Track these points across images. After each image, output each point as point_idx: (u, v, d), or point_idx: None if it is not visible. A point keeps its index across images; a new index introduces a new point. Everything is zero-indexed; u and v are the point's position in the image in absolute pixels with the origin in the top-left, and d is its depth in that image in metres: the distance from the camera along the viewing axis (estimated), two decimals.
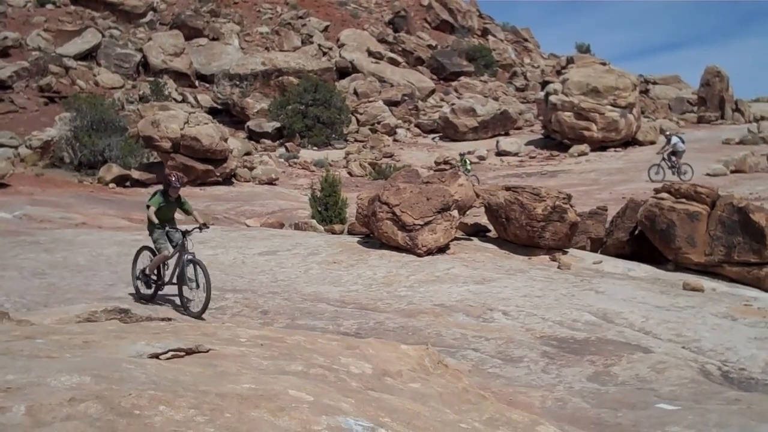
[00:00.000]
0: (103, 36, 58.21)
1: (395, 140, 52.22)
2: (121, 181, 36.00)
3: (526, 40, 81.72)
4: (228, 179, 38.42)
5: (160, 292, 14.09)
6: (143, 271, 14.05)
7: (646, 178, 34.22)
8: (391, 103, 56.67)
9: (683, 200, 17.98)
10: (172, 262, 13.81)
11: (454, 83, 63.48)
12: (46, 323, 6.38)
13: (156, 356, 4.76)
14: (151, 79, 53.93)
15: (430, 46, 69.05)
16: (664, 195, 18.45)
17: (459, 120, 52.04)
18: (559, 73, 63.66)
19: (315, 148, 48.75)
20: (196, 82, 58.27)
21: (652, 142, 47.98)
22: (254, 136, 50.69)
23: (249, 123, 51.61)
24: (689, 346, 11.96)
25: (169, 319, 7.87)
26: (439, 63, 65.85)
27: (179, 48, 58.01)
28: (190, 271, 13.33)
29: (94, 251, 17.99)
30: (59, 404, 3.43)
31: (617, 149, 47.37)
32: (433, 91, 60.96)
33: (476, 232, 20.21)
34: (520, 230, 18.32)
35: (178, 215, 14.56)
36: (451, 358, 9.86)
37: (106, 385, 3.69)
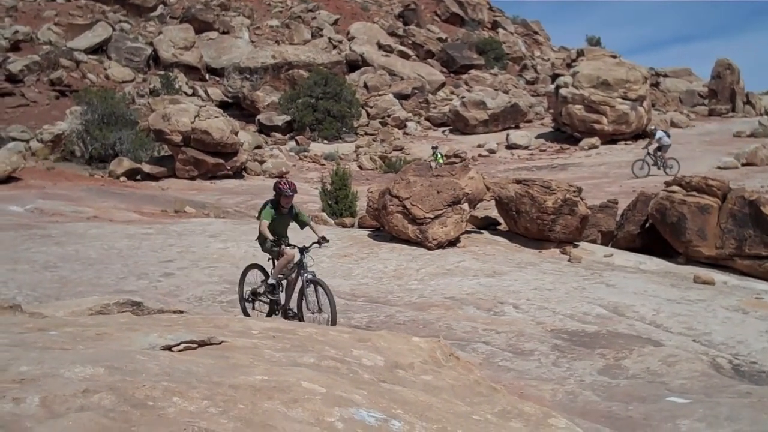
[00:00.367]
0: (114, 30, 58.27)
1: (405, 133, 52.17)
2: (131, 174, 36.08)
3: (536, 32, 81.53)
4: (238, 173, 38.47)
5: (274, 317, 12.43)
6: (254, 291, 12.57)
7: (656, 171, 34.11)
8: (402, 97, 56.62)
9: (694, 193, 17.95)
10: (289, 284, 12.45)
11: (464, 76, 63.38)
12: (58, 315, 6.40)
13: (169, 348, 4.77)
14: (162, 72, 53.98)
15: (440, 39, 68.97)
16: (675, 188, 18.41)
17: (469, 113, 51.94)
18: (569, 66, 63.50)
19: (325, 141, 48.74)
20: (207, 76, 58.28)
21: None
22: (264, 129, 50.70)
23: (259, 116, 51.62)
24: (700, 340, 11.95)
25: (181, 312, 7.89)
26: (449, 56, 65.75)
27: (189, 42, 58.03)
28: (310, 292, 11.88)
29: (106, 244, 18.03)
30: (73, 395, 3.44)
31: (628, 142, 47.21)
32: (443, 84, 60.87)
33: (487, 225, 20.21)
34: (531, 223, 18.31)
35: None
36: (461, 351, 9.87)
37: (119, 377, 3.70)
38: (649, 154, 35.27)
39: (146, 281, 14.73)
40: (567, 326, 12.41)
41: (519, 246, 18.47)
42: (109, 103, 40.88)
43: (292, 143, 48.37)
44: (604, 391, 9.62)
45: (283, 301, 12.36)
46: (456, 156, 43.39)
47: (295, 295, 12.30)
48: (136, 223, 21.93)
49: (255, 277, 12.84)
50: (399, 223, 17.95)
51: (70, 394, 3.44)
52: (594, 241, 19.45)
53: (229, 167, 37.58)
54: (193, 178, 36.74)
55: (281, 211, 12.38)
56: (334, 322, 11.34)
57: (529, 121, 54.91)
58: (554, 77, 60.78)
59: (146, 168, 36.91)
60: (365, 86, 57.24)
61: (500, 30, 76.65)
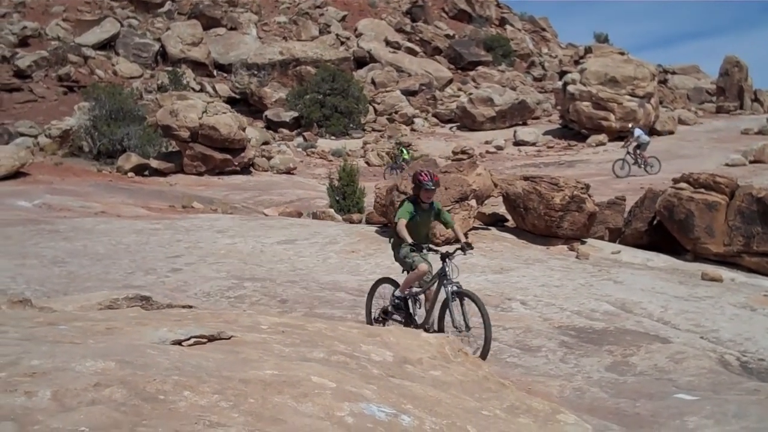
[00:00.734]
0: (122, 25, 58.40)
1: (413, 130, 52.17)
2: (139, 170, 36.14)
3: (543, 29, 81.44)
4: (246, 168, 38.50)
5: None
6: (385, 309, 11.06)
7: (664, 168, 34.04)
8: (409, 93, 56.60)
9: (702, 190, 17.93)
10: (428, 298, 10.74)
11: (471, 73, 63.35)
12: (68, 310, 6.42)
13: (178, 343, 4.79)
14: (170, 68, 54.07)
15: (447, 36, 68.92)
16: (683, 185, 18.40)
17: (476, 110, 51.91)
18: (577, 62, 63.47)
19: (333, 137, 48.77)
20: (214, 72, 58.34)
21: (671, 132, 47.82)
22: (272, 125, 50.75)
23: (267, 112, 51.67)
24: (708, 337, 11.95)
25: (190, 307, 7.90)
26: (456, 53, 65.72)
27: (197, 38, 58.08)
28: (455, 308, 10.16)
29: (114, 240, 18.06)
30: (84, 389, 3.46)
31: None
32: (450, 81, 60.84)
33: (494, 221, 20.21)
34: (538, 220, 18.31)
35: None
36: (469, 347, 9.88)
37: (130, 371, 3.72)
38: (629, 153, 35.18)
39: (154, 276, 14.75)
40: (575, 323, 12.41)
41: (526, 242, 18.48)
42: (117, 99, 40.97)
43: (300, 139, 48.42)
44: (612, 388, 9.62)
45: (421, 320, 10.69)
46: (463, 153, 43.39)
47: (436, 312, 10.51)
48: (144, 219, 21.96)
49: (387, 293, 11.24)
50: None
51: (81, 388, 3.46)
52: (601, 238, 19.44)
53: (236, 163, 37.61)
54: (200, 174, 36.78)
55: (422, 207, 10.68)
56: (487, 345, 9.73)
57: (537, 118, 54.86)
58: (562, 74, 60.70)
59: (154, 163, 36.97)
60: (373, 82, 57.24)
61: (508, 27, 76.55)
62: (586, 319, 12.61)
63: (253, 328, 5.62)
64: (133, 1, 63.72)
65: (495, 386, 5.42)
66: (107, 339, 4.72)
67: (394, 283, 11.09)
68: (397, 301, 10.77)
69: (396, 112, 53.41)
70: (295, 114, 50.60)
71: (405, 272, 10.81)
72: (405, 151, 38.47)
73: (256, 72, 55.19)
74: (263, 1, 68.44)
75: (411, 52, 63.52)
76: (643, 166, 34.23)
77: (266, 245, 17.98)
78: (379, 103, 53.96)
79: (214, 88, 54.71)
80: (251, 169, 39.15)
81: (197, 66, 56.65)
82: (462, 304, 10.09)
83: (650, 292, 14.35)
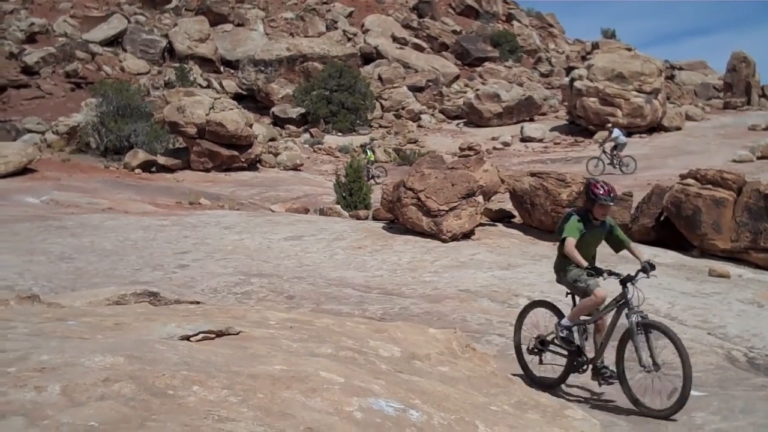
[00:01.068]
0: (129, 22, 58.49)
1: (419, 126, 52.18)
2: (147, 166, 36.20)
3: (550, 25, 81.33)
4: (253, 165, 38.56)
5: (576, 375, 9.48)
6: (541, 339, 9.54)
7: (671, 164, 34.00)
8: (416, 89, 56.59)
9: (709, 186, 17.90)
10: (599, 329, 9.31)
11: (478, 69, 63.28)
12: (76, 306, 6.43)
13: (187, 338, 4.80)
14: (177, 65, 54.14)
15: (454, 32, 68.88)
16: (690, 181, 18.37)
17: (483, 106, 51.86)
18: (584, 58, 63.38)
19: (339, 133, 48.80)
20: (221, 68, 58.40)
21: (678, 128, 47.75)
22: (279, 121, 50.78)
23: (274, 109, 51.70)
24: (715, 333, 11.93)
25: (198, 302, 7.92)
26: (463, 48, 65.66)
27: (204, 34, 58.14)
28: (641, 342, 8.59)
29: (121, 236, 18.09)
30: (93, 384, 3.47)
31: (642, 135, 47.01)
32: (457, 77, 60.80)
33: (501, 217, 20.21)
34: (545, 216, 18.31)
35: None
36: (476, 344, 9.87)
37: (139, 366, 3.73)
38: (604, 152, 35.14)
39: (161, 272, 14.77)
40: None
41: (533, 238, 18.47)
42: (124, 96, 41.05)
43: (307, 135, 48.47)
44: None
45: (590, 354, 9.15)
46: (470, 149, 43.31)
47: (611, 346, 9.03)
48: (151, 215, 21.99)
49: (542, 319, 9.74)
50: (413, 216, 17.96)
51: (90, 383, 3.47)
52: None
53: (243, 159, 37.67)
54: (207, 170, 36.85)
55: (594, 223, 9.21)
56: (686, 388, 8.21)
57: (544, 114, 54.79)
58: (569, 70, 60.63)
59: (161, 160, 37.04)
60: (379, 79, 57.23)
61: (515, 22, 76.43)
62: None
63: (261, 323, 5.63)
64: None
65: (503, 382, 5.43)
66: (116, 334, 4.74)
67: (554, 309, 9.62)
68: (565, 332, 9.20)
69: (403, 108, 53.42)
70: (302, 110, 50.63)
71: (569, 296, 9.44)
72: (370, 153, 37.95)
73: (263, 68, 55.19)
74: None
75: (418, 48, 63.50)
76: (618, 165, 34.17)
77: (273, 241, 17.99)
78: (386, 99, 53.97)
79: (221, 85, 54.78)
80: (258, 165, 39.21)
81: (204, 62, 56.72)
82: (648, 338, 8.58)
83: (657, 288, 14.31)
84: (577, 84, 47.96)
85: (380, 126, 51.53)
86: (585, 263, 8.86)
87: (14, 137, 39.08)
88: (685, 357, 8.21)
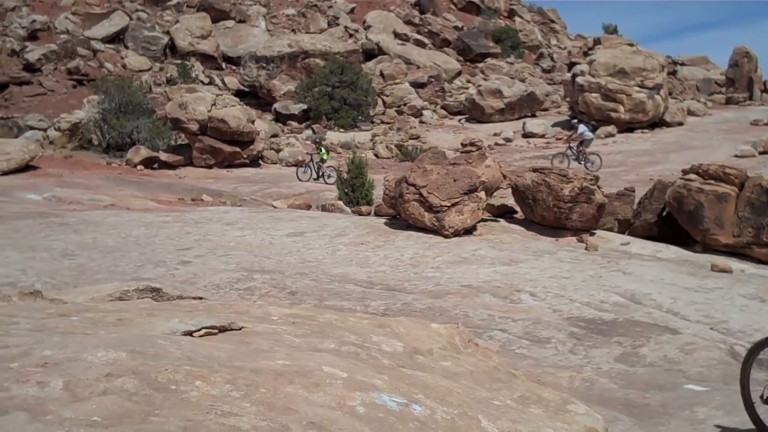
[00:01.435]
0: (131, 19, 58.47)
1: (421, 122, 52.13)
2: (149, 163, 36.25)
3: (552, 21, 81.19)
4: (255, 161, 38.60)
5: None
6: None
7: (673, 159, 33.99)
8: (418, 85, 56.54)
9: (711, 181, 17.91)
10: None
11: (480, 65, 63.20)
12: (79, 302, 6.44)
13: (189, 333, 4.81)
14: (178, 61, 54.16)
15: (456, 28, 68.79)
16: (692, 176, 18.38)
17: (485, 102, 51.83)
18: (586, 54, 63.26)
19: (341, 130, 48.77)
20: (223, 65, 58.37)
21: (680, 124, 47.74)
22: (281, 118, 50.77)
23: (275, 105, 51.67)
24: (717, 328, 11.94)
25: (200, 298, 7.92)
26: (465, 44, 65.59)
27: (206, 30, 58.14)
28: None
29: (123, 233, 18.10)
30: (96, 379, 3.47)
31: (644, 131, 47.02)
32: (459, 73, 60.74)
33: (503, 213, 20.21)
34: (547, 211, 18.31)
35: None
36: (478, 339, 9.88)
37: (142, 361, 3.73)
38: (570, 147, 35.15)
39: (164, 269, 14.79)
40: (584, 314, 12.41)
41: (535, 234, 18.48)
42: (126, 92, 41.09)
43: (309, 132, 48.44)
44: (622, 379, 9.62)
45: None
46: (472, 144, 43.30)
47: None
48: (154, 212, 22.00)
49: None
50: (415, 211, 17.97)
51: (93, 378, 3.47)
52: (611, 230, 19.42)
53: (245, 156, 37.70)
54: (209, 167, 36.88)
55: None
56: None
57: (546, 110, 54.75)
58: (571, 65, 60.54)
59: (163, 156, 37.08)
60: (381, 75, 57.18)
61: (516, 18, 76.32)
62: (596, 311, 12.60)
63: (263, 318, 5.63)
64: None
65: (505, 377, 5.43)
66: (118, 330, 4.74)
67: None
68: None
69: (405, 105, 53.38)
70: (304, 106, 50.61)
71: None
72: (323, 150, 36.68)
73: (264, 65, 55.14)
74: None
75: (419, 44, 63.43)
76: (583, 162, 34.17)
77: (275, 237, 18.00)
78: (387, 96, 53.93)
79: (222, 81, 54.76)
80: (260, 161, 39.26)
81: (206, 59, 56.71)
82: None
83: (660, 283, 14.34)
84: (579, 80, 47.94)
85: (382, 122, 51.49)
86: None
87: (16, 134, 39.10)
88: None
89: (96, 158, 37.00)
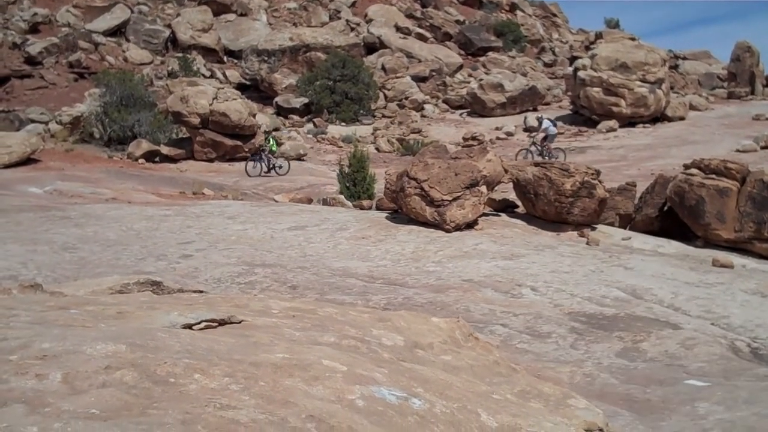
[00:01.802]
0: (132, 12, 58.49)
1: (423, 116, 52.16)
2: (150, 156, 36.27)
3: (554, 15, 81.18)
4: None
5: None
6: None
7: (675, 154, 33.97)
8: (419, 79, 56.57)
9: (713, 176, 17.89)
10: None
11: (482, 59, 63.20)
12: (79, 295, 6.43)
13: (189, 326, 4.80)
14: (180, 55, 54.20)
15: (458, 22, 68.81)
16: (694, 171, 18.36)
17: (487, 96, 51.85)
18: (587, 48, 63.28)
19: (343, 123, 48.81)
20: (225, 58, 58.42)
21: (682, 118, 47.74)
22: (282, 111, 50.82)
23: (277, 99, 51.72)
24: (718, 323, 11.92)
25: (201, 291, 7.92)
26: (467, 38, 65.58)
27: (207, 24, 58.15)
28: None
29: (124, 226, 18.09)
30: (95, 372, 3.47)
31: (646, 125, 47.03)
32: (460, 67, 60.74)
33: (504, 207, 20.20)
34: (549, 206, 18.29)
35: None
36: (479, 333, 9.87)
37: (141, 354, 3.72)
38: (534, 143, 35.16)
39: (165, 262, 14.77)
40: (585, 309, 12.40)
41: (537, 228, 18.46)
42: (127, 86, 41.13)
43: (310, 125, 48.51)
44: (622, 374, 9.61)
45: None
46: (474, 139, 43.30)
47: None
48: (155, 205, 22.00)
49: None
50: (417, 206, 17.95)
51: (92, 371, 3.47)
52: (612, 224, 19.41)
53: (247, 149, 37.69)
54: (211, 160, 36.91)
55: None
56: None
57: (547, 104, 54.79)
58: (572, 60, 60.61)
59: (165, 150, 37.10)
60: (383, 68, 57.20)
61: (518, 12, 76.32)
62: (597, 305, 12.59)
63: (263, 312, 5.62)
64: None
65: (506, 371, 5.42)
66: (118, 323, 4.74)
67: None
68: None
69: (406, 98, 53.41)
70: (306, 100, 50.65)
71: None
72: (273, 141, 36.27)
73: (266, 58, 55.17)
74: None
75: (421, 37, 63.43)
76: (547, 157, 34.14)
77: (277, 231, 17.98)
78: (389, 90, 53.96)
79: (224, 75, 54.81)
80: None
81: (207, 52, 56.75)
82: None
83: (661, 278, 14.33)
84: (581, 74, 47.93)
85: (384, 116, 51.53)
86: None
87: (18, 127, 39.16)
88: None
89: (97, 151, 37.03)
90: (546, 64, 66.01)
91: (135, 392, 3.32)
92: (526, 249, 16.29)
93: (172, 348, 3.95)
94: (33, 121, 40.91)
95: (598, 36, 65.75)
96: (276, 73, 53.87)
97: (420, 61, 59.35)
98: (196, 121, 36.51)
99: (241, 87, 51.56)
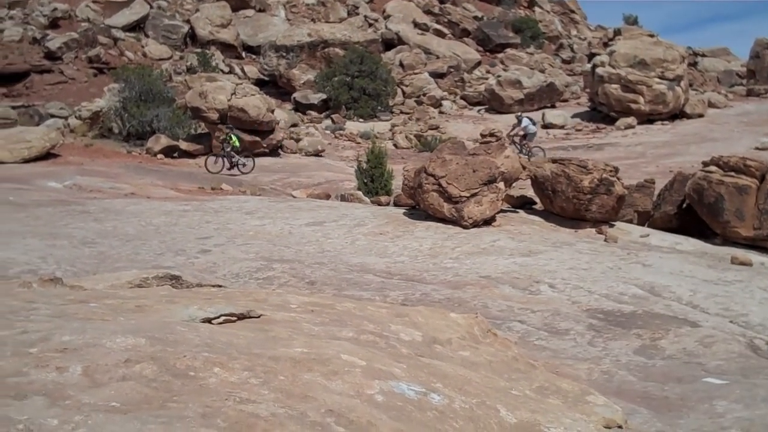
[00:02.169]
0: (151, 7, 58.57)
1: (441, 112, 52.07)
2: (169, 151, 36.34)
3: (572, 11, 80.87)
4: (275, 150, 38.61)
5: None
6: None
7: (694, 151, 33.83)
8: (437, 75, 56.46)
9: (732, 174, 17.82)
10: None
11: (500, 55, 63.06)
12: (98, 288, 6.46)
13: (208, 321, 4.81)
14: (199, 50, 54.26)
15: (476, 18, 68.63)
16: (713, 168, 18.29)
17: (505, 92, 51.71)
18: (606, 45, 63.08)
19: (361, 119, 48.77)
20: (243, 54, 58.46)
21: (701, 115, 47.53)
22: (300, 107, 50.81)
23: (295, 94, 51.71)
24: (737, 321, 11.88)
25: (220, 286, 7.94)
26: (485, 35, 65.43)
27: (226, 19, 58.21)
28: None
29: (143, 221, 18.15)
30: (115, 365, 3.48)
31: (664, 122, 46.84)
32: (478, 63, 60.61)
33: (522, 204, 20.18)
34: (567, 203, 18.25)
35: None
36: (497, 330, 9.87)
37: (160, 347, 3.74)
38: (513, 142, 34.93)
39: (183, 257, 14.82)
40: (603, 306, 12.37)
41: (555, 225, 18.43)
42: (146, 81, 41.18)
43: (328, 121, 48.49)
44: (640, 371, 9.59)
45: None
46: (492, 135, 43.12)
47: None
48: (173, 200, 22.06)
49: None
50: (434, 202, 17.95)
51: (112, 364, 3.49)
52: (630, 221, 19.36)
53: (265, 145, 37.71)
54: None
55: None
56: None
57: (565, 101, 54.61)
58: (591, 56, 60.39)
59: (183, 145, 37.14)
60: (401, 65, 57.12)
61: (536, 8, 76.07)
62: (615, 303, 12.56)
63: (282, 306, 5.64)
64: None
65: (524, 367, 5.42)
66: (137, 317, 4.76)
67: None
68: None
69: (424, 95, 53.32)
70: (324, 96, 50.63)
71: None
72: (234, 138, 34.87)
73: (284, 54, 55.15)
74: None
75: (439, 34, 63.32)
76: (527, 155, 33.97)
77: (295, 227, 18.01)
78: (407, 86, 53.88)
79: (242, 70, 54.85)
80: (280, 151, 39.26)
81: (226, 48, 56.81)
82: None
83: (679, 275, 14.29)
84: (599, 70, 47.75)
85: (401, 112, 51.45)
86: None
87: (37, 122, 39.29)
88: None
89: (116, 146, 37.14)
90: (564, 61, 65.80)
91: (155, 385, 3.34)
92: (544, 246, 16.27)
93: (191, 342, 3.96)
94: (53, 115, 41.07)
95: (617, 33, 65.46)
96: (294, 68, 53.90)
97: (438, 57, 59.25)
98: (214, 116, 36.55)
99: (259, 83, 51.62)
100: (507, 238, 16.79)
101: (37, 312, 4.63)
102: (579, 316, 11.83)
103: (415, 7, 66.65)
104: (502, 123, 45.68)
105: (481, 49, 64.11)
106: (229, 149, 33.52)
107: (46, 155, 29.83)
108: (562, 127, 47.69)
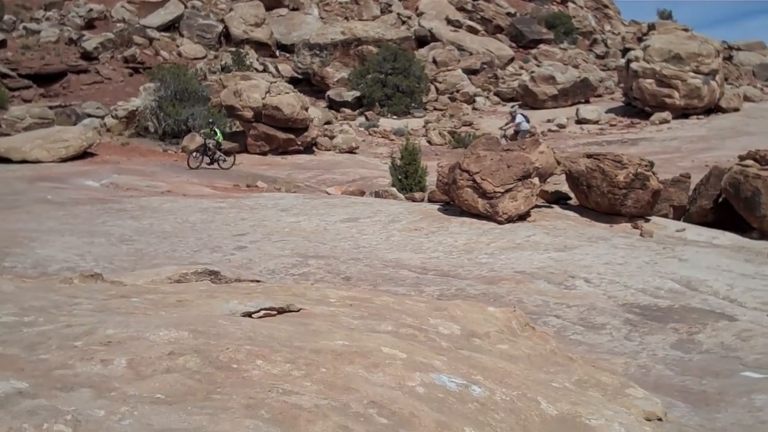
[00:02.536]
0: (186, 7, 58.85)
1: (474, 109, 51.97)
2: None
3: (606, 6, 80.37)
4: (309, 148, 38.66)
5: None
6: None
7: (729, 145, 33.56)
8: (470, 72, 56.35)
9: None
10: None
11: (533, 51, 62.82)
12: (138, 284, 6.53)
13: (249, 315, 4.86)
14: (233, 49, 54.41)
15: (509, 14, 68.39)
16: (749, 162, 18.17)
17: (538, 88, 51.52)
18: (640, 40, 62.58)
19: (394, 116, 48.76)
20: (277, 52, 58.61)
21: (736, 109, 47.12)
22: (334, 105, 50.91)
23: (329, 92, 51.82)
24: None
25: (258, 281, 7.99)
26: (518, 31, 65.19)
27: (260, 18, 58.37)
28: None
29: (180, 218, 18.27)
30: (159, 357, 3.53)
31: (700, 117, 46.47)
32: (512, 59, 60.42)
33: (557, 199, 20.13)
34: (602, 198, 18.19)
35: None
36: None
37: (203, 340, 3.78)
38: (505, 136, 34.53)
39: (220, 254, 14.91)
40: (639, 300, 12.33)
41: (590, 220, 18.37)
42: (181, 80, 41.41)
43: (362, 119, 48.53)
44: (678, 366, 9.56)
45: None
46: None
47: None
48: (209, 198, 22.18)
49: None
50: (469, 197, 17.94)
51: (155, 357, 3.53)
52: (666, 216, 19.26)
53: (299, 142, 37.78)
54: (264, 153, 37.04)
55: None
56: None
57: (599, 96, 54.34)
58: (625, 51, 59.99)
59: None
60: (434, 62, 57.05)
61: (570, 4, 75.65)
62: (651, 297, 12.52)
63: (321, 301, 5.67)
64: None
65: (563, 360, 5.42)
66: (179, 311, 4.81)
67: None
68: None
69: (457, 91, 53.24)
70: (357, 94, 50.68)
71: None
72: (218, 133, 34.06)
73: (318, 52, 55.24)
74: None
75: (472, 30, 63.17)
76: None
77: (329, 223, 18.06)
78: (440, 83, 53.83)
79: (276, 69, 54.98)
80: (314, 148, 39.32)
81: (260, 46, 56.98)
82: None
83: (716, 270, 14.21)
84: (634, 65, 47.44)
85: (435, 109, 51.42)
86: None
87: (74, 122, 39.65)
88: None
89: (152, 145, 37.38)
90: (598, 56, 65.43)
91: (198, 377, 3.38)
92: (579, 240, 16.23)
93: (233, 335, 4.01)
94: (89, 115, 41.40)
95: (651, 27, 64.99)
96: (328, 66, 53.98)
97: (471, 53, 59.12)
98: (249, 114, 36.66)
99: (293, 81, 51.71)
100: (542, 233, 16.76)
101: (80, 307, 4.69)
102: (615, 311, 11.80)
103: (447, 4, 66.50)
104: (536, 119, 45.59)
105: (514, 45, 63.90)
106: (212, 144, 33.15)
107: (83, 154, 30.11)
108: (596, 123, 47.45)
